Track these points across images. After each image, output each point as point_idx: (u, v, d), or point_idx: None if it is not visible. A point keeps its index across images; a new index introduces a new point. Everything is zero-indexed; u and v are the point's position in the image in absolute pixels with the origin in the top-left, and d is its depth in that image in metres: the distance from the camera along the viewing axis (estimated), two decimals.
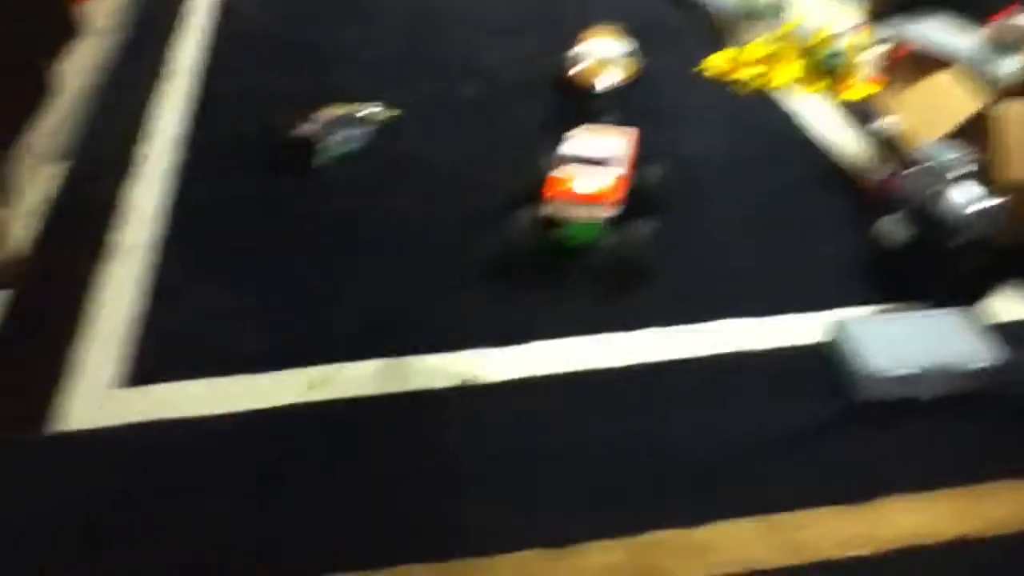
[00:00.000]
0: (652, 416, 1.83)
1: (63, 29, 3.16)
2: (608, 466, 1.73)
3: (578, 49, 2.86)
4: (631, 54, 2.80)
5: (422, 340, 2.00)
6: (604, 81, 2.63)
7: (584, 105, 2.70)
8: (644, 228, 2.16)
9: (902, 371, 1.81)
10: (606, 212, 2.18)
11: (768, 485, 1.69)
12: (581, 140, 2.33)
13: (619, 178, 2.24)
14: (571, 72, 2.74)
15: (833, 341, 1.93)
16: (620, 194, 2.22)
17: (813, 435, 1.78)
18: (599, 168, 2.24)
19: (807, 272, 2.22)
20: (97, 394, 1.87)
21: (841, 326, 1.93)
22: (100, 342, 1.99)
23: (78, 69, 3.04)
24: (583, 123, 2.51)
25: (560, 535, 1.58)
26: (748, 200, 2.49)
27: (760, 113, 2.90)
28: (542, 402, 1.87)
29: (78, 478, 1.70)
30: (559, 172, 2.24)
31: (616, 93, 2.65)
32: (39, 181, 2.50)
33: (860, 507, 1.63)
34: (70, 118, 2.78)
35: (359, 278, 2.19)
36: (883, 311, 2.06)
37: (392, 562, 1.54)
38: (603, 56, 2.77)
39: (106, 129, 2.78)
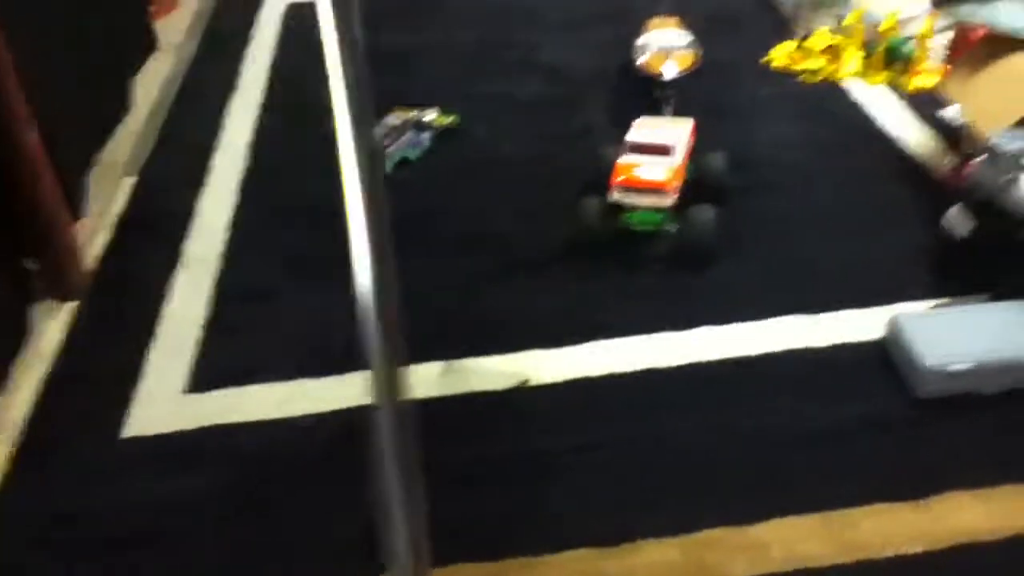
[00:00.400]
0: (709, 414, 1.83)
1: (143, 44, 3.29)
2: (663, 464, 1.73)
3: (642, 39, 2.86)
4: (694, 44, 2.78)
5: (484, 339, 2.03)
6: (670, 70, 2.63)
7: (649, 94, 2.70)
8: (707, 213, 2.18)
9: (959, 365, 1.76)
10: (670, 199, 2.20)
11: (825, 482, 1.67)
12: (645, 129, 2.35)
13: (680, 166, 2.25)
14: (637, 61, 2.74)
15: (892, 337, 1.89)
16: (680, 182, 2.23)
17: (871, 431, 1.75)
18: (663, 156, 2.25)
19: (873, 265, 2.18)
20: (168, 399, 1.94)
21: (900, 321, 1.89)
22: (171, 349, 2.07)
23: (153, 82, 3.15)
24: (648, 112, 2.53)
25: (614, 533, 1.59)
26: (814, 191, 2.45)
27: (827, 103, 2.85)
28: (598, 401, 1.88)
29: (150, 481, 1.77)
30: (624, 160, 2.26)
31: (680, 82, 2.64)
32: (114, 192, 2.61)
33: (917, 504, 1.60)
34: (144, 132, 2.88)
35: (421, 277, 2.22)
36: (945, 304, 2.01)
37: (445, 561, 1.56)
38: (666, 46, 2.76)
39: (179, 141, 2.88)
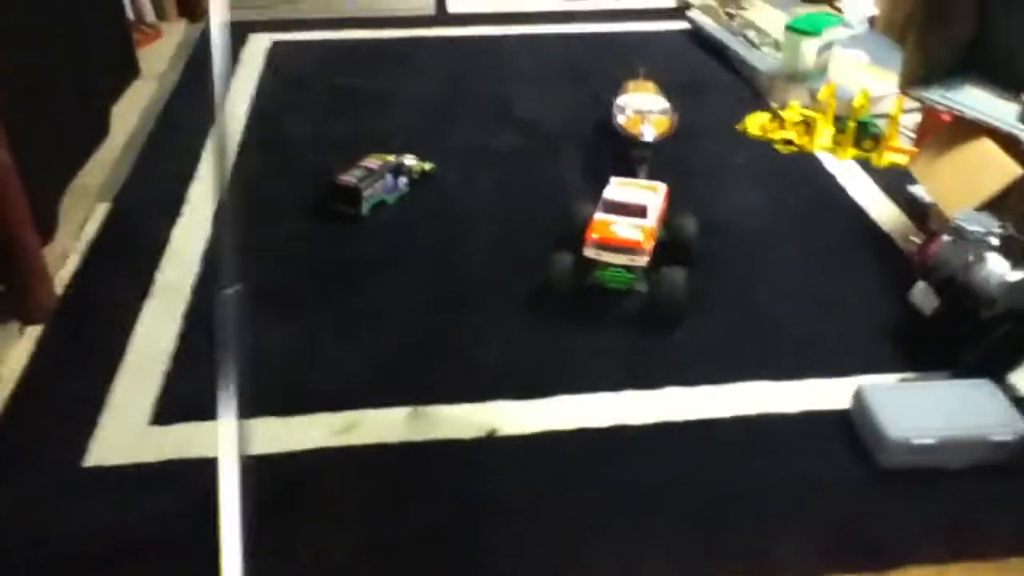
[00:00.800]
0: (671, 473, 1.84)
1: (125, 71, 3.29)
2: (623, 523, 1.73)
3: (620, 100, 2.91)
4: (670, 109, 2.84)
5: (451, 387, 2.03)
6: (648, 133, 2.68)
7: (623, 153, 2.75)
8: (679, 275, 2.21)
9: (923, 439, 1.80)
10: (644, 259, 2.24)
11: (780, 546, 1.68)
12: (621, 188, 2.40)
13: (653, 228, 2.29)
14: (617, 121, 2.79)
15: (857, 407, 1.93)
16: (652, 243, 2.28)
17: (832, 499, 1.78)
18: (638, 218, 2.29)
19: (839, 335, 2.22)
20: (131, 430, 1.92)
21: (865, 392, 1.92)
22: (137, 379, 2.05)
23: (133, 110, 3.15)
24: (621, 171, 2.58)
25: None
26: (783, 258, 2.50)
27: (800, 173, 2.93)
28: (564, 454, 1.89)
29: (110, 511, 1.74)
30: (600, 217, 2.30)
31: (658, 145, 2.69)
32: (87, 217, 2.59)
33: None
34: (121, 158, 2.87)
35: (394, 324, 2.24)
36: (910, 378, 2.06)
37: None
38: (644, 109, 2.82)
39: (155, 169, 2.87)
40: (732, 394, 2.04)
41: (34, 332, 2.17)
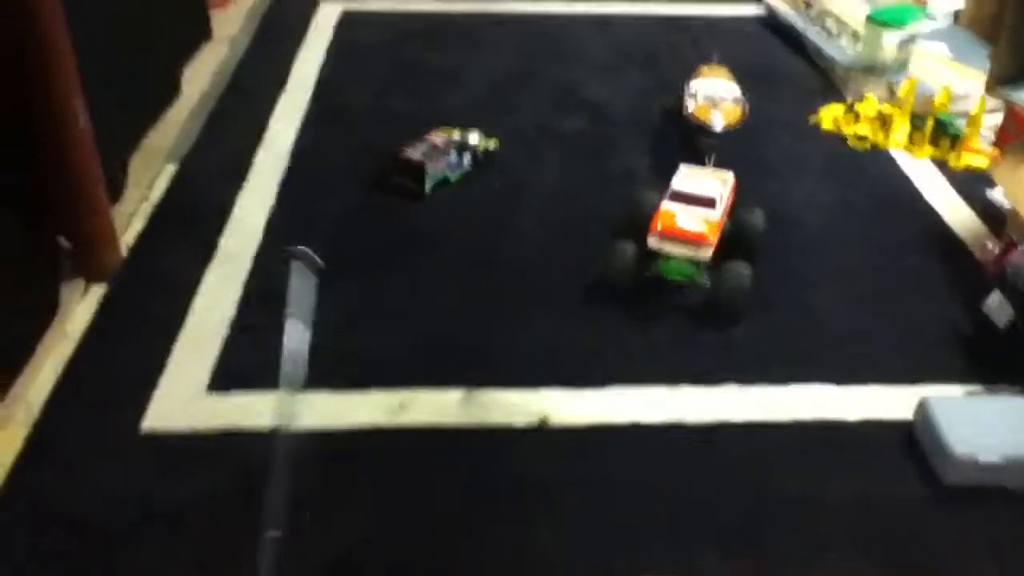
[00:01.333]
0: (727, 476, 1.81)
1: (197, 33, 3.31)
2: (670, 522, 1.71)
3: (691, 85, 2.85)
4: (742, 98, 2.78)
5: (504, 372, 2.02)
6: (718, 121, 2.62)
7: (690, 141, 2.69)
8: (743, 270, 2.16)
9: (989, 457, 1.74)
10: (708, 252, 2.19)
11: (834, 559, 1.65)
12: (688, 178, 2.34)
13: (720, 220, 2.24)
14: (687, 109, 2.73)
15: (922, 419, 1.87)
16: (718, 236, 2.23)
17: (889, 514, 1.73)
18: (704, 208, 2.24)
19: (905, 341, 2.16)
20: (189, 396, 1.94)
21: (930, 404, 1.87)
22: (195, 345, 2.07)
23: (203, 73, 3.17)
24: (692, 160, 2.53)
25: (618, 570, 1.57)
26: (850, 259, 2.44)
27: (872, 170, 2.85)
28: (616, 449, 1.87)
29: (164, 478, 1.76)
30: (666, 207, 2.25)
31: (727, 135, 2.63)
32: (154, 179, 2.61)
33: None
34: (190, 121, 2.89)
35: (451, 303, 2.23)
36: (978, 392, 1.99)
37: None
38: (714, 95, 2.75)
39: (223, 135, 2.89)
40: (791, 396, 2.00)
41: (98, 292, 2.20)
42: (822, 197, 2.69)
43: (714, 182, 2.33)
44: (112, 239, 2.27)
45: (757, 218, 2.37)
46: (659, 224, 2.21)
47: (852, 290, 2.32)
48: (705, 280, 2.21)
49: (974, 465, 1.74)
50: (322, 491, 1.74)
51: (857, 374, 2.05)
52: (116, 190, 2.44)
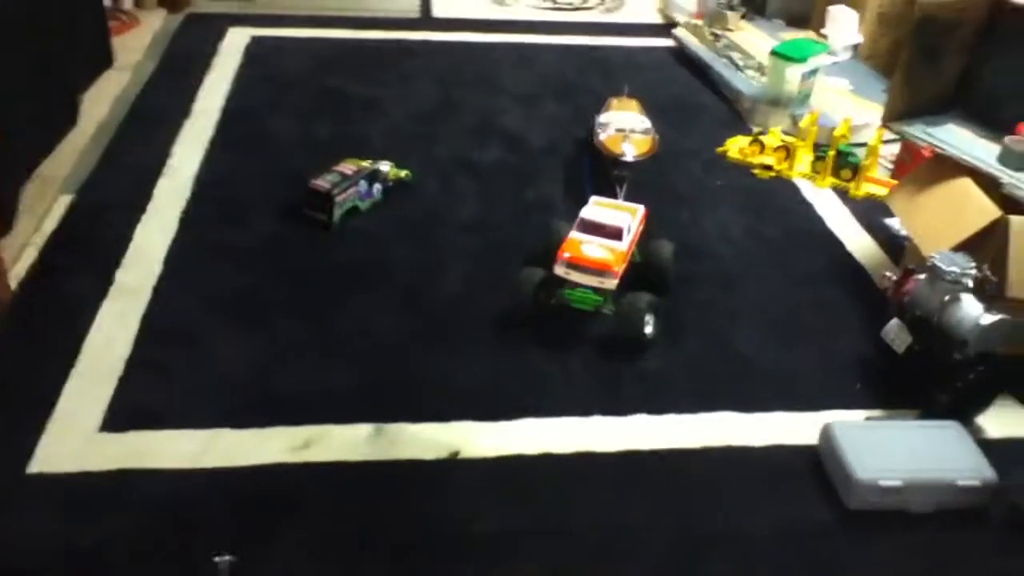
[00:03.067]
0: (637, 505, 1.80)
1: (98, 59, 3.21)
2: (594, 547, 1.69)
3: (602, 117, 2.88)
4: (652, 129, 2.81)
5: (415, 405, 1.99)
6: (629, 151, 2.64)
7: (607, 173, 2.71)
8: (641, 300, 2.18)
9: (890, 481, 1.77)
10: (613, 282, 2.21)
11: None
12: (598, 208, 2.36)
13: (626, 251, 2.26)
14: (599, 139, 2.75)
15: (825, 444, 1.90)
16: (624, 265, 2.24)
17: (794, 539, 1.75)
18: (611, 240, 2.26)
19: (810, 368, 2.20)
20: (81, 436, 1.85)
21: (833, 430, 1.90)
22: (89, 382, 1.98)
23: (104, 100, 3.08)
24: (602, 190, 2.54)
25: None
26: (758, 287, 2.48)
27: (779, 200, 2.91)
28: (528, 480, 1.85)
29: (52, 522, 1.67)
30: (574, 236, 2.26)
31: (638, 165, 2.66)
32: (48, 209, 2.51)
33: None
34: (88, 149, 2.80)
35: (357, 334, 2.18)
36: (878, 416, 2.03)
37: None
38: (625, 127, 2.78)
39: (123, 162, 2.80)
40: (701, 424, 2.01)
41: None
42: (731, 227, 2.74)
43: (623, 214, 2.35)
44: (1, 274, 2.16)
45: (665, 249, 2.39)
46: (565, 252, 2.21)
47: (761, 319, 2.35)
48: (610, 309, 2.21)
49: (877, 489, 1.77)
50: (229, 527, 1.67)
51: (765, 401, 2.08)
52: (6, 221, 2.33)
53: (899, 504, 1.79)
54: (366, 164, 2.68)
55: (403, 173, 2.77)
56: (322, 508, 1.75)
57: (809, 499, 1.83)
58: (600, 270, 2.19)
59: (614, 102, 3.01)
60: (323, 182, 2.54)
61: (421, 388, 2.05)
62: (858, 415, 2.05)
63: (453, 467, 1.86)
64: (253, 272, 2.37)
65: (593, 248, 2.23)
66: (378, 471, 1.84)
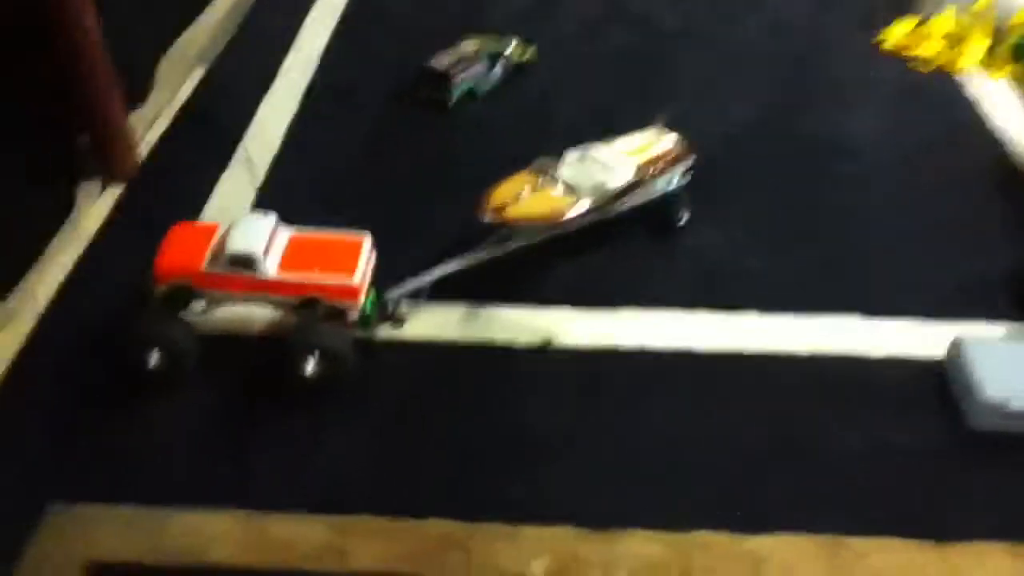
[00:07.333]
0: (733, 412, 1.70)
1: None
2: (668, 458, 1.62)
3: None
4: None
5: (511, 291, 1.94)
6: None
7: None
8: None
9: (1020, 403, 1.60)
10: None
11: (842, 504, 1.54)
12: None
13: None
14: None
15: (953, 359, 1.73)
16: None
17: (906, 457, 1.61)
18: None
19: (948, 275, 2.01)
20: None
21: (963, 344, 1.72)
22: None
23: None
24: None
25: (601, 517, 1.49)
26: (901, 186, 2.28)
27: (938, 95, 2.64)
28: (619, 375, 1.77)
29: None
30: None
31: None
32: (182, 81, 2.57)
33: (938, 547, 1.46)
34: (225, 22, 2.83)
35: (455, 220, 2.11)
36: (1018, 335, 1.84)
37: (424, 513, 1.50)
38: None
39: (256, 37, 2.82)
40: (816, 327, 1.87)
41: (115, 193, 2.18)
42: (882, 123, 2.50)
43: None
44: (127, 141, 2.23)
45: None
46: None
47: (898, 220, 2.16)
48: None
49: (1003, 411, 1.61)
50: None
51: (891, 307, 1.91)
52: (140, 93, 2.40)
53: None
54: (489, 42, 2.58)
55: (528, 54, 2.66)
56: (407, 387, 1.74)
57: (926, 416, 1.68)
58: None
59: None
60: (440, 61, 2.48)
61: (515, 274, 1.97)
62: (996, 330, 1.85)
63: (545, 355, 1.81)
64: (363, 151, 2.36)
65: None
66: (470, 354, 1.81)
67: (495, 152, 2.31)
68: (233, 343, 1.77)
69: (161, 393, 1.69)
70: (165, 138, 2.37)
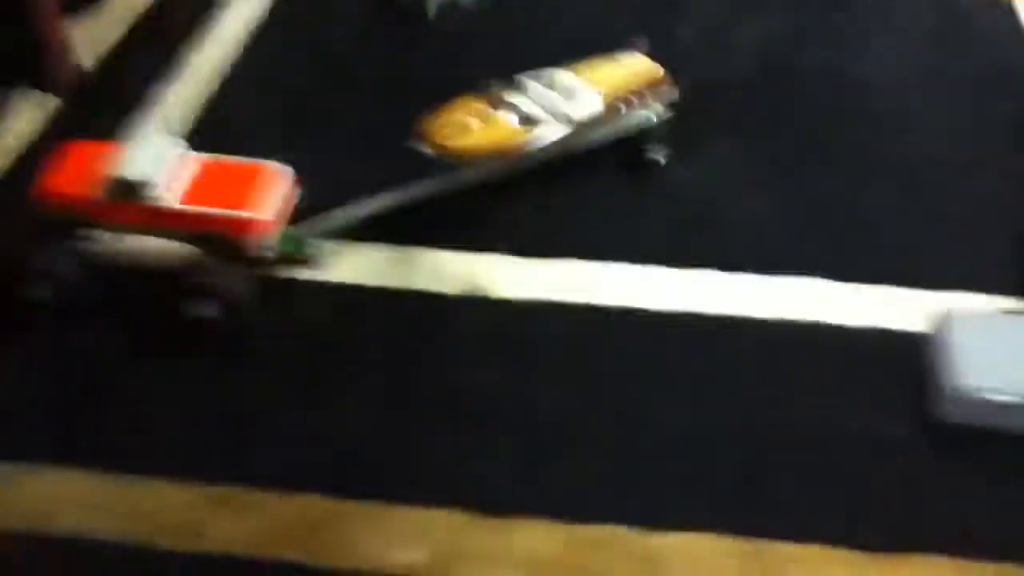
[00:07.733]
0: (683, 384, 1.52)
1: None
2: (597, 437, 1.44)
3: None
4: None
5: (443, 234, 1.76)
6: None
7: None
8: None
9: (996, 396, 1.38)
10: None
11: (775, 502, 1.35)
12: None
13: None
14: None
15: (936, 336, 1.50)
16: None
17: (861, 452, 1.41)
18: None
19: (951, 242, 1.77)
20: None
21: (950, 320, 1.50)
22: None
23: None
24: None
25: (494, 501, 1.33)
26: (923, 136, 2.03)
27: (983, 26, 2.36)
28: (556, 334, 1.60)
29: None
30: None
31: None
32: None
33: (879, 559, 1.26)
34: None
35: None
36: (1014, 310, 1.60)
37: (291, 487, 1.35)
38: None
39: None
40: (786, 290, 1.67)
41: (50, 103, 2.05)
42: (914, 60, 2.25)
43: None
44: (64, 49, 2.09)
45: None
46: None
47: (913, 174, 1.92)
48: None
49: (975, 401, 1.39)
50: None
51: (879, 273, 1.69)
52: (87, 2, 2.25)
53: (997, 423, 1.40)
54: None
55: None
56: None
57: (892, 402, 1.47)
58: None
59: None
60: None
61: (447, 216, 1.79)
62: (993, 302, 1.62)
63: (473, 305, 1.64)
64: (327, 69, 2.19)
65: None
66: (395, 300, 1.65)
67: (472, 75, 1.99)
68: (127, 280, 1.62)
69: (28, 333, 1.56)
70: (115, 48, 2.22)
